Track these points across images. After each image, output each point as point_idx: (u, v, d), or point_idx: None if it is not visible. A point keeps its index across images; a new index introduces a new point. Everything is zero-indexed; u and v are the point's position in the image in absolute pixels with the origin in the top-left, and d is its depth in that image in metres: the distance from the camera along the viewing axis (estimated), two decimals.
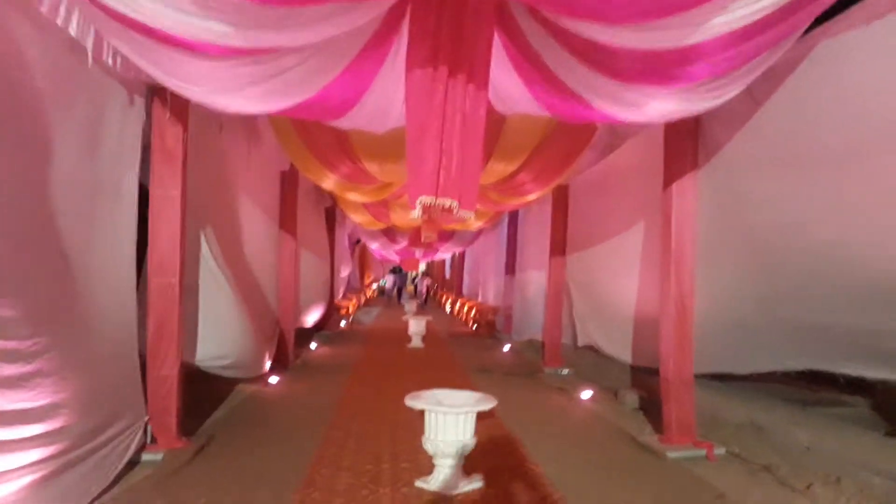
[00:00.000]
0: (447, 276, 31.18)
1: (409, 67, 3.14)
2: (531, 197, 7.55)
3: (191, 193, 5.18)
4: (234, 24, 2.60)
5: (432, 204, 3.32)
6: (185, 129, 4.92)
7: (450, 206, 3.33)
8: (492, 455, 5.01)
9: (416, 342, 11.92)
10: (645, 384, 7.70)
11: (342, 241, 16.68)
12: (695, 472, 4.86)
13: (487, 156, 6.36)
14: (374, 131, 4.73)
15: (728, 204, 5.37)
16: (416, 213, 3.41)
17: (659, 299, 5.70)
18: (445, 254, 22.46)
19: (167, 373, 4.83)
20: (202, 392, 6.31)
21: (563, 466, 4.85)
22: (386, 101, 3.97)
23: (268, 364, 7.93)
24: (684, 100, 3.57)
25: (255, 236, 8.25)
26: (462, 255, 23.28)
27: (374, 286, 32.88)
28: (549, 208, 10.55)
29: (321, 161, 6.58)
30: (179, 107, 4.81)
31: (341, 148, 6.31)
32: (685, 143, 5.36)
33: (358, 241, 20.28)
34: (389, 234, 15.07)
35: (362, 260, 26.15)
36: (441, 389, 4.39)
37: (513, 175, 6.73)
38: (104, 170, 4.15)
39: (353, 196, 8.27)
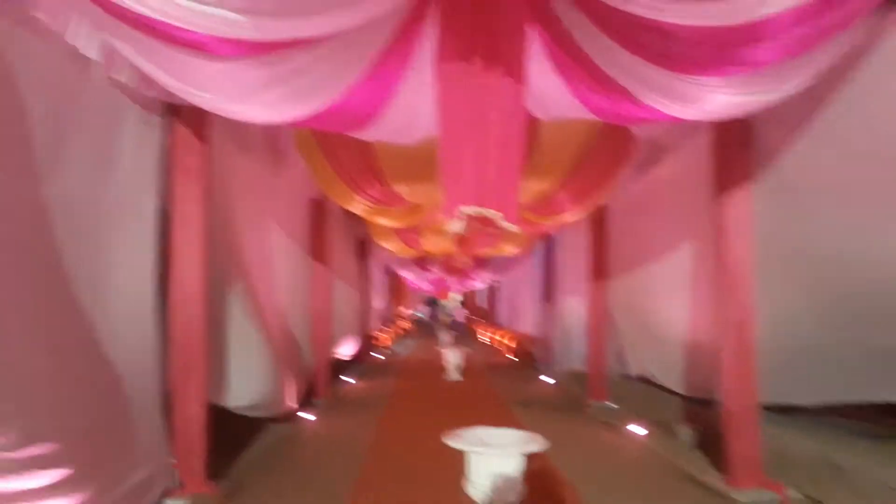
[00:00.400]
0: (481, 304, 30.71)
1: (440, 63, 2.83)
2: (569, 217, 7.15)
3: (216, 218, 4.96)
4: (246, 12, 2.34)
5: (474, 214, 2.97)
6: (206, 148, 4.69)
7: (492, 217, 2.97)
8: (543, 500, 4.52)
9: (454, 374, 11.47)
10: (700, 418, 7.10)
11: (375, 272, 16.45)
12: None
13: (523, 172, 6.00)
14: (403, 143, 4.42)
15: (785, 216, 4.89)
16: (458, 225, 3.06)
17: (714, 324, 5.16)
18: (479, 283, 22.04)
19: (194, 412, 4.51)
20: (230, 432, 5.98)
21: None
22: (413, 108, 3.66)
23: (295, 400, 7.55)
24: (746, 91, 3.16)
25: (285, 266, 8.01)
26: (497, 285, 22.82)
27: (410, 317, 32.57)
28: (577, 233, 10.13)
29: (348, 184, 6.32)
30: (199, 125, 4.60)
31: (369, 169, 6.04)
32: (737, 151, 4.91)
33: (389, 273, 20.08)
34: (421, 262, 14.77)
35: (397, 291, 25.90)
36: (483, 427, 3.95)
37: (550, 194, 6.35)
38: (120, 191, 3.92)
39: (384, 221, 7.98)
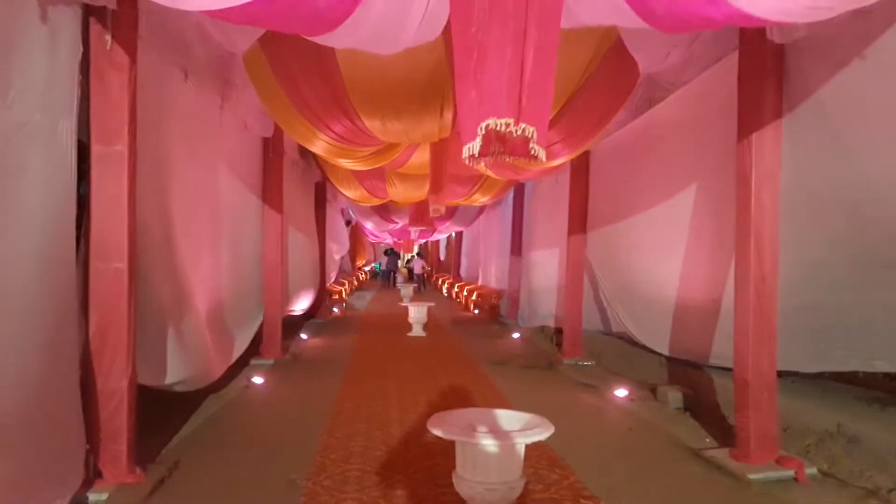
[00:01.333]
0: (442, 258, 30.11)
1: None
2: (557, 162, 6.43)
3: (145, 155, 4.04)
4: None
5: (503, 130, 2.22)
6: (134, 65, 3.74)
7: (522, 133, 2.23)
8: (533, 479, 3.91)
9: (418, 330, 10.83)
10: (686, 380, 6.67)
11: (334, 220, 15.50)
12: (787, 501, 3.81)
13: None
14: (382, 52, 3.54)
15: (817, 157, 4.28)
16: (476, 145, 2.31)
17: (735, 281, 4.57)
18: (443, 234, 21.31)
19: (115, 385, 3.69)
20: (164, 405, 5.18)
21: (622, 498, 3.79)
22: None
23: (230, 362, 6.70)
24: None
25: (232, 212, 7.10)
26: (459, 236, 22.17)
27: (367, 269, 31.78)
28: (563, 179, 9.45)
29: (309, 118, 5.43)
30: (126, 34, 3.65)
31: (334, 100, 5.16)
32: (767, 84, 4.22)
33: (349, 223, 19.10)
34: (384, 212, 13.91)
35: (354, 242, 24.98)
36: (473, 409, 3.29)
37: None
38: (20, 116, 2.97)
39: (347, 163, 7.09)
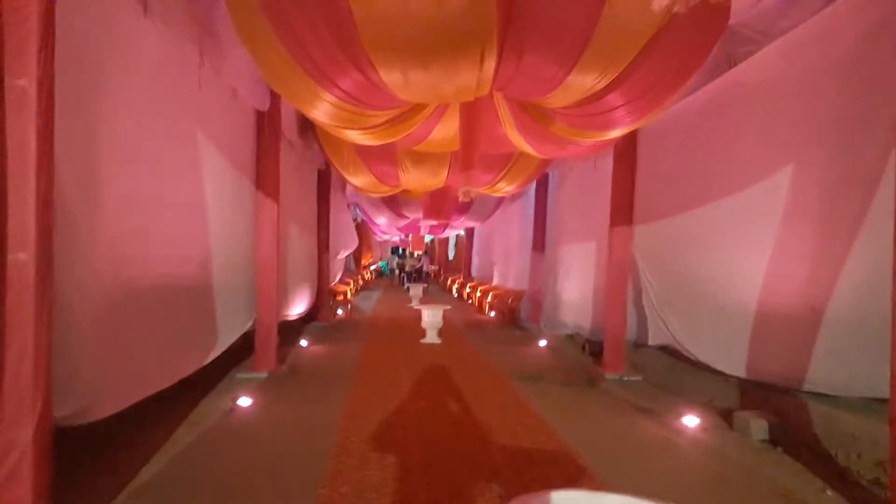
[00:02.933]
0: (451, 257, 28.88)
1: None
2: (613, 134, 5.18)
3: (85, 108, 2.86)
4: None
5: None
6: None
7: None
8: None
9: (432, 336, 9.61)
10: (764, 404, 5.46)
11: (340, 213, 14.29)
12: None
13: (573, 59, 3.99)
14: None
15: None
16: None
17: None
18: (456, 230, 20.05)
19: (15, 435, 2.49)
20: (108, 442, 3.99)
21: None
22: None
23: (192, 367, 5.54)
24: None
25: (219, 198, 5.92)
26: (470, 233, 20.94)
27: (373, 268, 30.64)
28: (603, 165, 8.24)
29: (310, 72, 4.21)
30: None
31: (342, 46, 3.93)
32: None
33: (354, 220, 17.91)
34: (395, 205, 12.69)
35: (360, 239, 23.79)
36: (563, 494, 2.09)
37: (600, 94, 4.35)
38: None
39: (355, 135, 5.84)
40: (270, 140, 7.02)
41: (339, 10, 3.67)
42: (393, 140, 5.89)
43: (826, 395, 4.84)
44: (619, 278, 7.39)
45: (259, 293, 6.95)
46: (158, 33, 4.11)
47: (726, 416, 5.47)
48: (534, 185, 11.78)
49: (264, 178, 6.99)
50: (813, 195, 4.62)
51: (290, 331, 9.63)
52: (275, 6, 3.83)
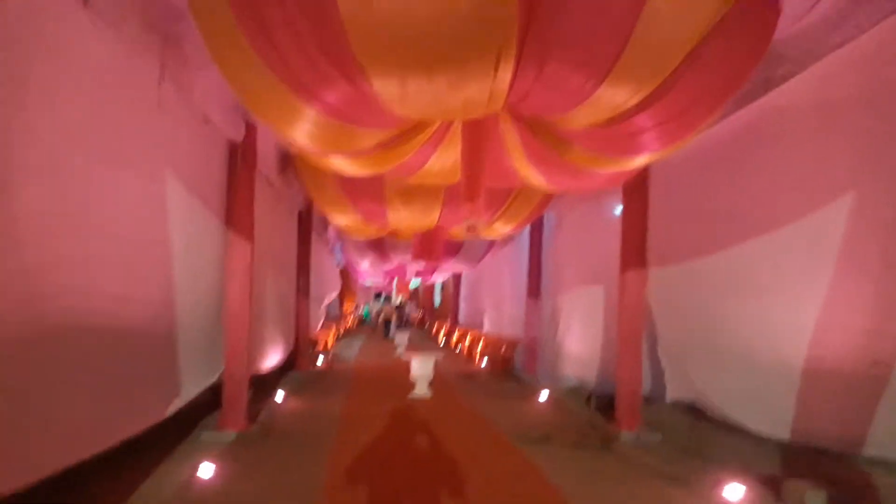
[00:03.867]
0: (437, 303, 28.04)
1: None
2: (637, 162, 4.52)
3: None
4: None
5: None
6: None
7: None
8: None
9: (422, 389, 8.75)
10: (811, 470, 4.71)
11: (323, 257, 13.50)
12: None
13: (605, 68, 3.37)
14: None
15: None
16: None
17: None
18: (444, 274, 19.25)
19: None
20: None
21: None
22: None
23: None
24: None
25: (185, 232, 5.19)
26: (457, 279, 20.20)
27: (355, 314, 29.66)
28: (607, 202, 7.68)
29: (288, 82, 3.53)
30: None
31: (326, 49, 3.27)
32: None
33: (338, 264, 17.10)
34: (380, 248, 11.94)
35: (342, 285, 22.92)
36: None
37: (630, 112, 3.72)
38: None
39: (341, 163, 5.13)
40: (244, 174, 6.31)
41: (323, 9, 3.02)
42: (384, 170, 5.19)
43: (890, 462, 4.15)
44: (633, 326, 6.67)
45: (228, 343, 6.12)
46: (101, 32, 3.42)
47: (771, 485, 4.70)
48: (527, 228, 11.18)
49: (237, 216, 6.24)
50: (872, 234, 3.99)
51: (264, 382, 8.73)
52: (249, 10, 3.17)
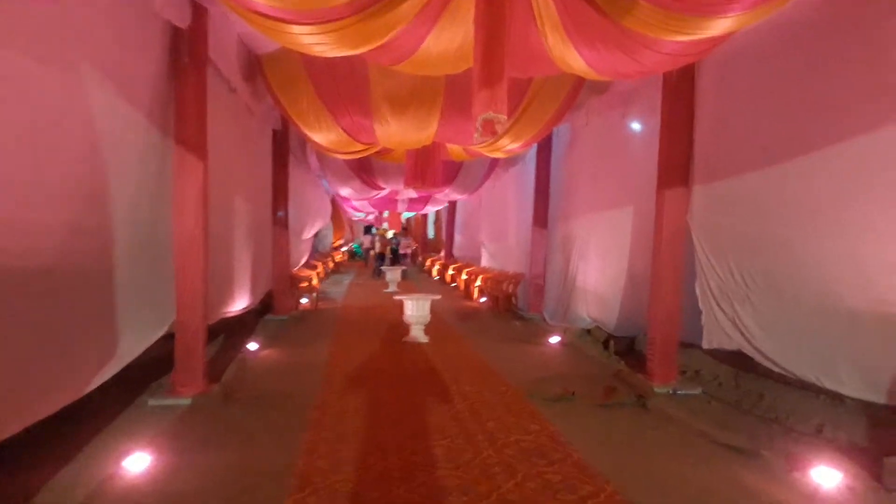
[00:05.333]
0: (430, 235, 26.90)
1: None
2: (723, 25, 3.19)
3: None
4: None
5: None
6: None
7: None
8: None
9: (418, 334, 7.69)
10: None
11: (307, 185, 12.19)
12: None
13: None
14: None
15: None
16: None
17: None
18: (439, 205, 17.95)
19: None
20: None
21: None
22: None
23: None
24: None
25: (120, 145, 3.97)
26: (452, 208, 18.93)
27: (344, 249, 28.58)
28: (636, 110, 6.44)
29: None
30: None
31: None
32: None
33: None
34: (366, 172, 10.65)
35: (333, 218, 21.63)
36: None
37: None
38: None
39: (305, 36, 3.77)
40: (193, 72, 4.96)
41: None
42: (365, 47, 3.84)
43: None
44: (672, 257, 5.55)
45: (179, 286, 4.95)
46: None
47: (863, 459, 3.69)
48: (533, 148, 9.88)
49: (185, 126, 4.94)
50: None
51: (235, 328, 7.64)
52: None
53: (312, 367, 6.25)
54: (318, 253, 19.03)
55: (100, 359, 4.16)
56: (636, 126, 6.63)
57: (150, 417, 4.53)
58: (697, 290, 5.48)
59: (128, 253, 4.44)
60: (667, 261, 5.57)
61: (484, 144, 6.90)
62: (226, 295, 6.54)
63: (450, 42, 3.89)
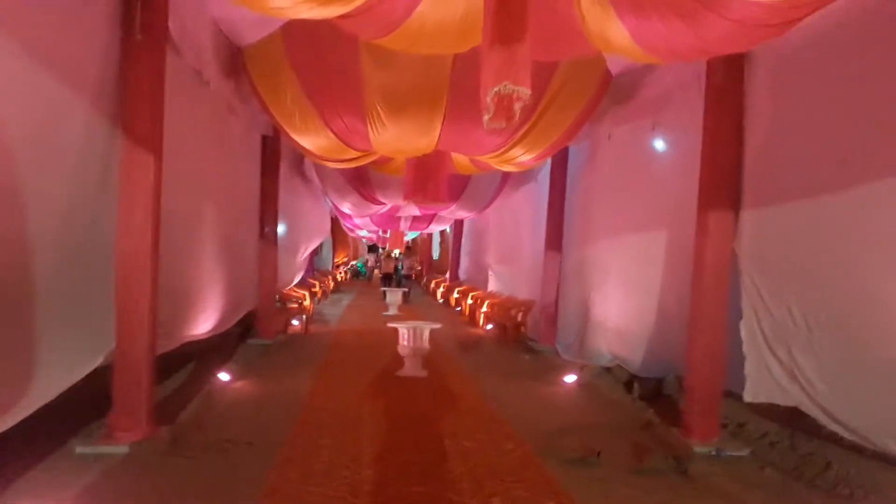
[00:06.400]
0: (435, 256, 26.02)
1: None
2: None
3: None
4: None
5: None
6: None
7: None
8: None
9: (414, 368, 6.76)
10: None
11: (303, 197, 11.37)
12: None
13: None
14: None
15: None
16: None
17: None
18: (443, 225, 17.06)
19: None
20: None
21: None
22: None
23: None
24: None
25: (45, 138, 3.18)
26: (459, 229, 18.04)
27: (347, 267, 27.81)
28: (667, 119, 5.61)
29: None
30: None
31: None
32: None
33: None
34: (363, 184, 9.80)
35: (334, 235, 20.82)
36: None
37: None
38: None
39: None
40: (147, 50, 4.14)
41: None
42: (340, 7, 2.99)
43: None
44: (716, 292, 4.65)
45: (120, 307, 4.08)
46: None
47: None
48: (547, 165, 9.04)
49: (135, 113, 4.12)
50: None
51: (210, 353, 6.75)
52: None
53: (286, 406, 5.33)
54: (317, 271, 18.18)
55: (10, 395, 3.31)
56: (668, 138, 5.77)
57: (75, 469, 3.66)
58: (743, 332, 4.55)
59: (55, 266, 3.62)
60: (709, 295, 4.66)
61: (497, 132, 6.01)
62: (191, 315, 5.67)
63: (451, 4, 3.04)
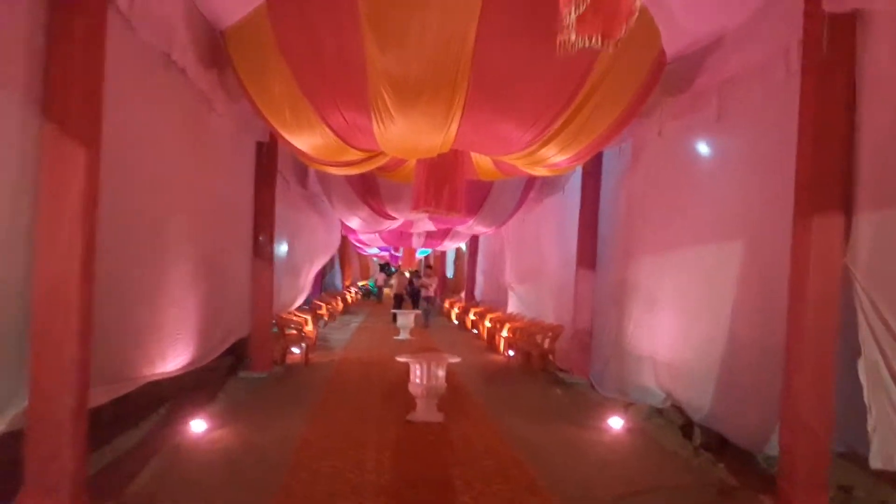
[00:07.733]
0: (449, 274, 24.96)
1: None
2: None
3: None
4: None
5: None
6: None
7: None
8: None
9: (428, 411, 5.66)
10: None
11: (307, 212, 10.39)
12: None
13: None
14: None
15: None
16: None
17: None
18: (457, 241, 15.96)
19: None
20: None
21: None
22: None
23: None
24: None
25: None
26: (474, 246, 16.98)
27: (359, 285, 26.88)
28: (731, 108, 4.57)
29: None
30: None
31: None
32: None
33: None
34: (373, 194, 8.81)
35: (341, 253, 19.87)
36: None
37: None
38: None
39: None
40: (81, 16, 3.18)
41: None
42: None
43: None
44: (822, 320, 3.56)
45: (36, 353, 3.06)
46: None
47: None
48: (578, 173, 8.03)
49: (63, 94, 3.15)
50: None
51: (191, 392, 5.73)
52: None
53: (270, 466, 4.27)
54: (325, 292, 17.20)
55: None
56: (739, 130, 4.71)
57: None
58: (862, 374, 3.46)
59: None
60: (812, 324, 3.59)
61: (517, 156, 4.97)
62: (157, 349, 4.65)
63: None
